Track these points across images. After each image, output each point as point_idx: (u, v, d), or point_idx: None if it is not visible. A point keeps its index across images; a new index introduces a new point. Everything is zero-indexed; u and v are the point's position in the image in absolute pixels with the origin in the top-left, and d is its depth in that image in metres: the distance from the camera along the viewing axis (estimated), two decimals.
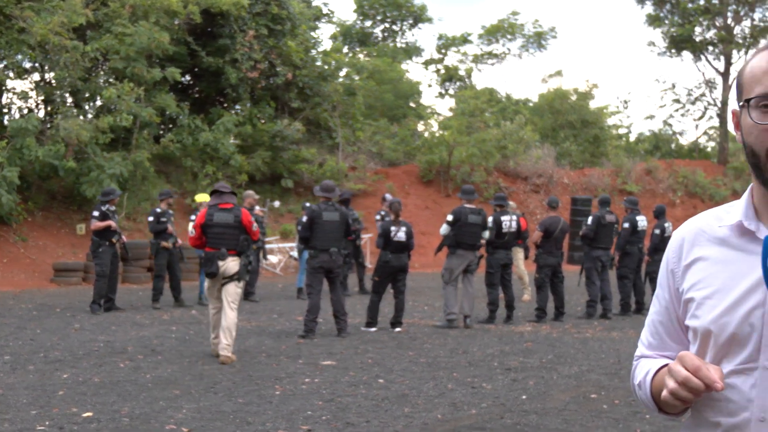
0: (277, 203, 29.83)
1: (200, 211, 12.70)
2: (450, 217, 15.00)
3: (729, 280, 2.16)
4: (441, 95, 53.27)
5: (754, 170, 2.15)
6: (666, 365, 2.24)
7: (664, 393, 2.12)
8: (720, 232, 2.24)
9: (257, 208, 18.62)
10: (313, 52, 35.92)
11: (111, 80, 27.74)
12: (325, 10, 46.64)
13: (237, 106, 33.16)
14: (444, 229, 15.03)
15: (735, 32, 47.46)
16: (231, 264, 11.25)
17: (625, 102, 54.26)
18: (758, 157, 2.11)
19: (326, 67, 35.18)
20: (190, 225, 14.81)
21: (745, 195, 2.25)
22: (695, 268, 2.26)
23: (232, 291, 11.24)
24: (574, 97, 45.86)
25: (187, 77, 32.87)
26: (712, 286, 2.19)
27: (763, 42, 2.22)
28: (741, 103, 2.16)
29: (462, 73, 53.02)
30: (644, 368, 2.37)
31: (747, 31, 47.59)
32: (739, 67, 2.27)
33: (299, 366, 10.93)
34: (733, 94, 2.28)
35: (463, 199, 15.14)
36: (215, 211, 11.43)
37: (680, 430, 2.30)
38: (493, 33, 53.40)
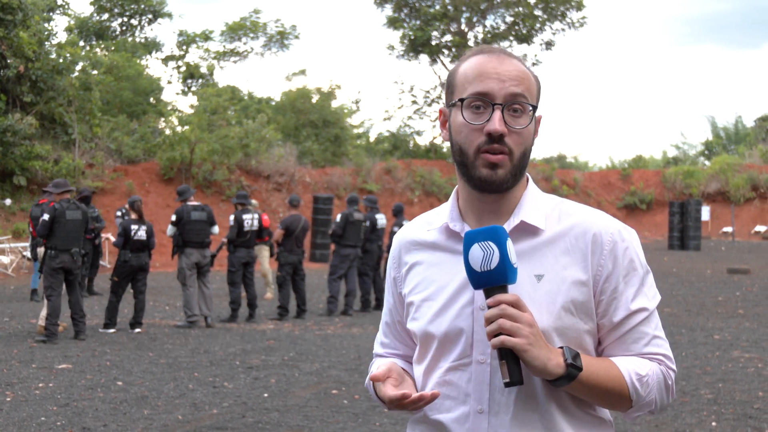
0: (8, 201, 28.47)
1: None
2: (173, 217, 14.96)
3: (442, 282, 2.24)
4: (183, 92, 52.37)
5: (461, 169, 2.22)
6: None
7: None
8: (430, 236, 2.32)
9: None
10: (47, 44, 34.46)
11: None
12: (59, 1, 44.86)
13: None
14: (169, 230, 14.99)
15: (469, 37, 49.63)
16: None
17: (356, 102, 55.26)
18: (466, 156, 2.18)
19: (61, 60, 33.74)
20: None
21: (452, 197, 2.33)
22: (413, 272, 2.33)
23: None
24: (316, 97, 46.37)
25: None
26: (428, 289, 2.27)
27: (475, 47, 2.30)
28: (452, 102, 2.23)
29: (204, 70, 52.41)
30: (371, 370, 2.42)
31: (480, 36, 49.90)
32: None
33: (32, 370, 10.51)
34: None
35: (181, 201, 15.23)
36: None
37: (407, 425, 2.37)
38: (235, 31, 53.13)
